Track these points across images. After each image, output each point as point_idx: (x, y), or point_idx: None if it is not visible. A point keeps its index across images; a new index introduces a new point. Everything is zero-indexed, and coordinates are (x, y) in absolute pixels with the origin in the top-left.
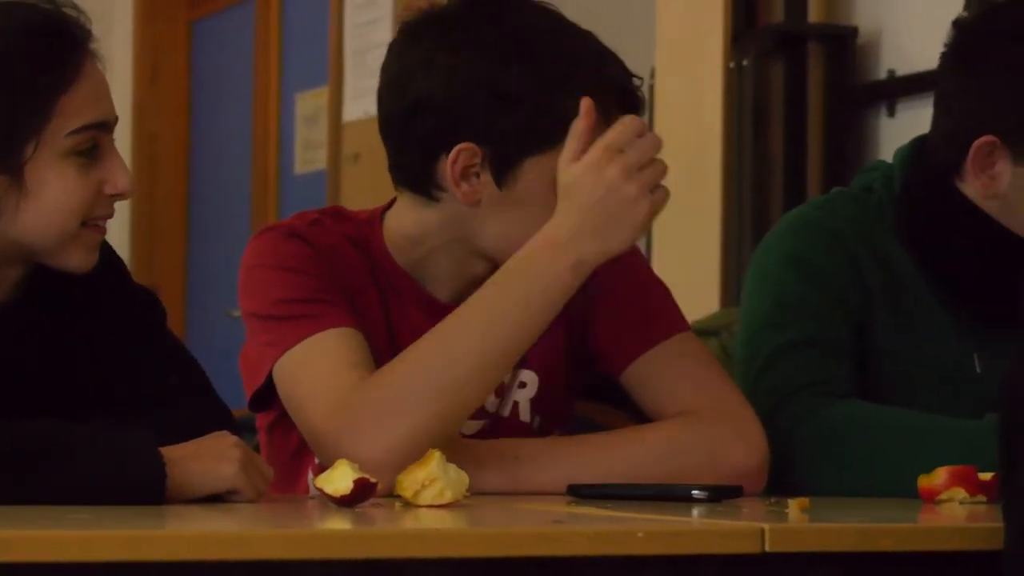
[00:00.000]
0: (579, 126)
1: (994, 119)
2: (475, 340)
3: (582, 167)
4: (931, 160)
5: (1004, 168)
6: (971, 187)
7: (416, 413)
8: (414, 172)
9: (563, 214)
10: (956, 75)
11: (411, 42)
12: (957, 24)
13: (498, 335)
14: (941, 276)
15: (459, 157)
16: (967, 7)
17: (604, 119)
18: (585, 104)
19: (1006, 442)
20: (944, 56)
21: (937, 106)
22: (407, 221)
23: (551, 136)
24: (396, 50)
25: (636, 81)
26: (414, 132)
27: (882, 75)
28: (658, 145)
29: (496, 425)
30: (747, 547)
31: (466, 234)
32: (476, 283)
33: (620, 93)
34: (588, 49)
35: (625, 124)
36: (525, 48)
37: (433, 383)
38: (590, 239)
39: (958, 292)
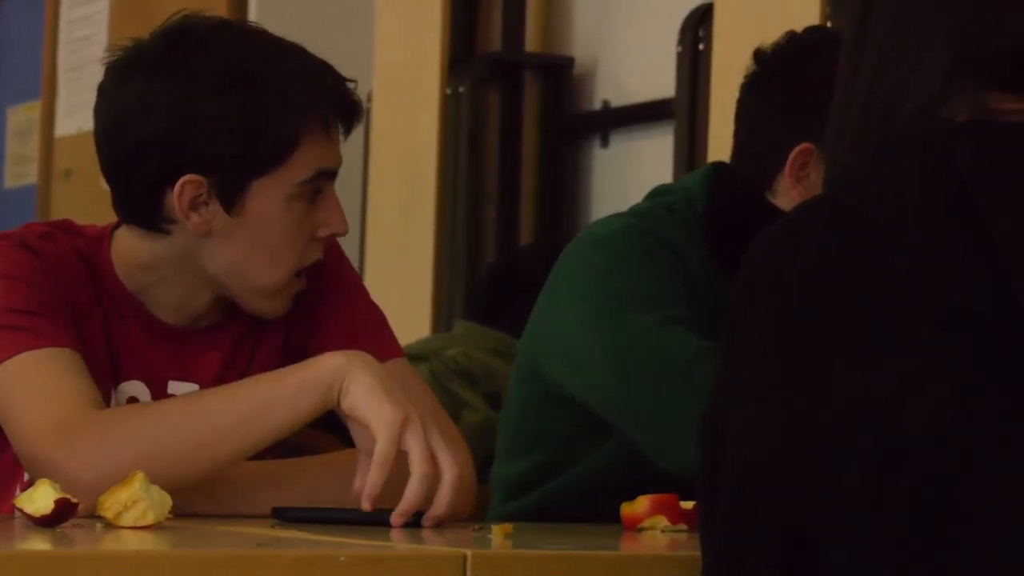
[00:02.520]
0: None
1: (811, 128)
2: (224, 414)
3: None
4: (741, 179)
5: (820, 176)
6: (787, 198)
7: (137, 446)
8: (142, 209)
9: None
10: (762, 96)
11: (122, 83)
12: (756, 53)
13: (256, 420)
14: None
15: (184, 190)
16: (681, 42)
17: (325, 132)
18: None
19: (705, 471)
20: (745, 85)
21: (742, 130)
22: (137, 249)
23: (273, 158)
24: (108, 93)
25: (352, 85)
26: (138, 172)
27: (597, 106)
28: None
29: None
30: (449, 573)
31: (198, 263)
32: (203, 310)
33: (336, 103)
34: (298, 66)
35: None
36: (236, 74)
37: (169, 430)
38: None
39: None
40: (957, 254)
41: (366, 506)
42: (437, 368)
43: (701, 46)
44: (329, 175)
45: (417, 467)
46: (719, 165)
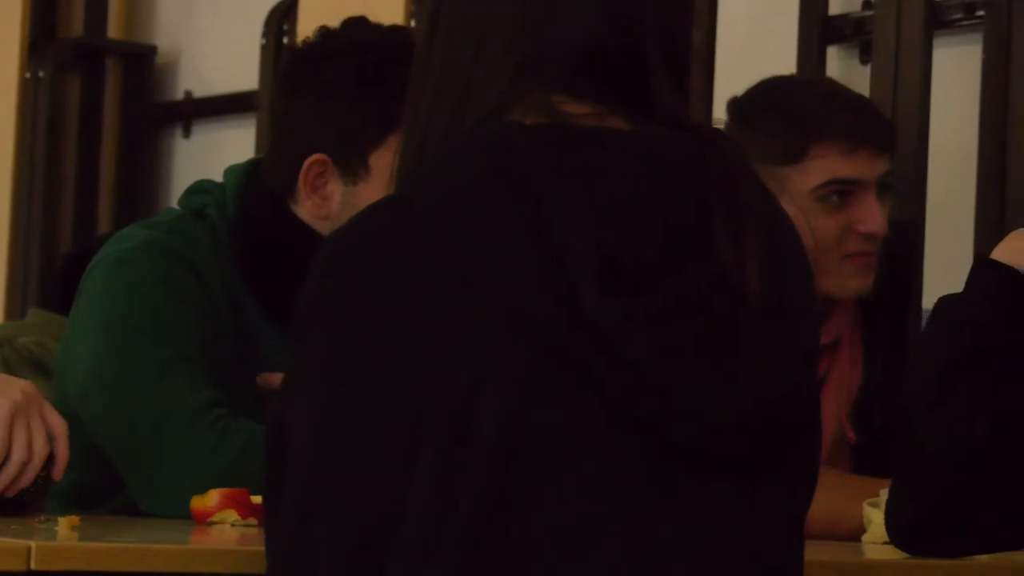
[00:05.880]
0: None
1: (323, 138)
2: None
3: None
4: (266, 183)
5: (335, 187)
6: (304, 209)
7: None
8: None
9: None
10: (287, 97)
11: None
12: (291, 48)
13: None
14: (277, 304)
15: None
16: (265, 34)
17: None
18: None
19: (271, 468)
20: (278, 80)
21: (271, 130)
22: None
23: None
24: None
25: None
26: None
27: (179, 95)
28: None
29: None
30: (13, 565)
31: None
32: None
33: None
34: None
35: None
36: None
37: None
38: None
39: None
40: (526, 258)
41: None
42: (9, 356)
43: (285, 39)
44: None
45: (16, 454)
46: (255, 165)
